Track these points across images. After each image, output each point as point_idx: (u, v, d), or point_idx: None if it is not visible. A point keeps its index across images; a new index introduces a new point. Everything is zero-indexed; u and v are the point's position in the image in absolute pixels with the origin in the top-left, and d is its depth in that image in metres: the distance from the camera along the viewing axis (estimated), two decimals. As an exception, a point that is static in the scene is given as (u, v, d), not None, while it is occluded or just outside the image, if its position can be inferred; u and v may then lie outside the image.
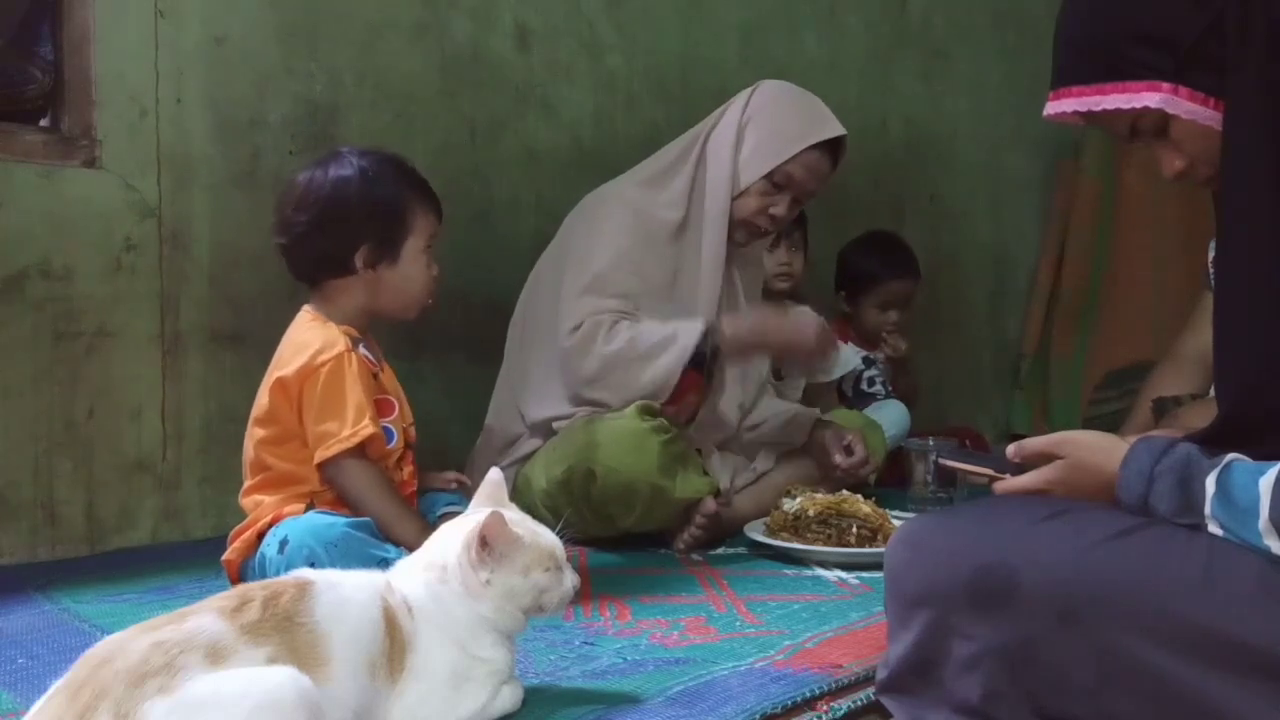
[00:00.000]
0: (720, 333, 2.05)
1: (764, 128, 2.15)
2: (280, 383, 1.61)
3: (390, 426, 1.68)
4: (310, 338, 1.63)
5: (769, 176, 2.13)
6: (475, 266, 2.43)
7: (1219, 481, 1.02)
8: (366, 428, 1.59)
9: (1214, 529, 1.02)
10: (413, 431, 1.75)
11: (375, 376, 1.68)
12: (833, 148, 2.16)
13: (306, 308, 1.71)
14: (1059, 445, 1.17)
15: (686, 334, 2.00)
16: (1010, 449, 1.22)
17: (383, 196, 1.66)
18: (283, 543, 1.51)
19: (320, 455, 1.58)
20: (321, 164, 1.69)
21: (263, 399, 1.64)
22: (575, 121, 2.71)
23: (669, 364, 1.98)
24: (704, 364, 2.03)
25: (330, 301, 1.69)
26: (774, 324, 2.11)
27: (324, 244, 1.66)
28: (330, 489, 1.62)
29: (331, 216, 1.65)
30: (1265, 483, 0.99)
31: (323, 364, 1.59)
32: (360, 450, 1.60)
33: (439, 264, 1.76)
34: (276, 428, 1.62)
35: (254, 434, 1.65)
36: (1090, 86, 1.13)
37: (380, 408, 1.66)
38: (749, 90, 2.22)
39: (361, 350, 1.66)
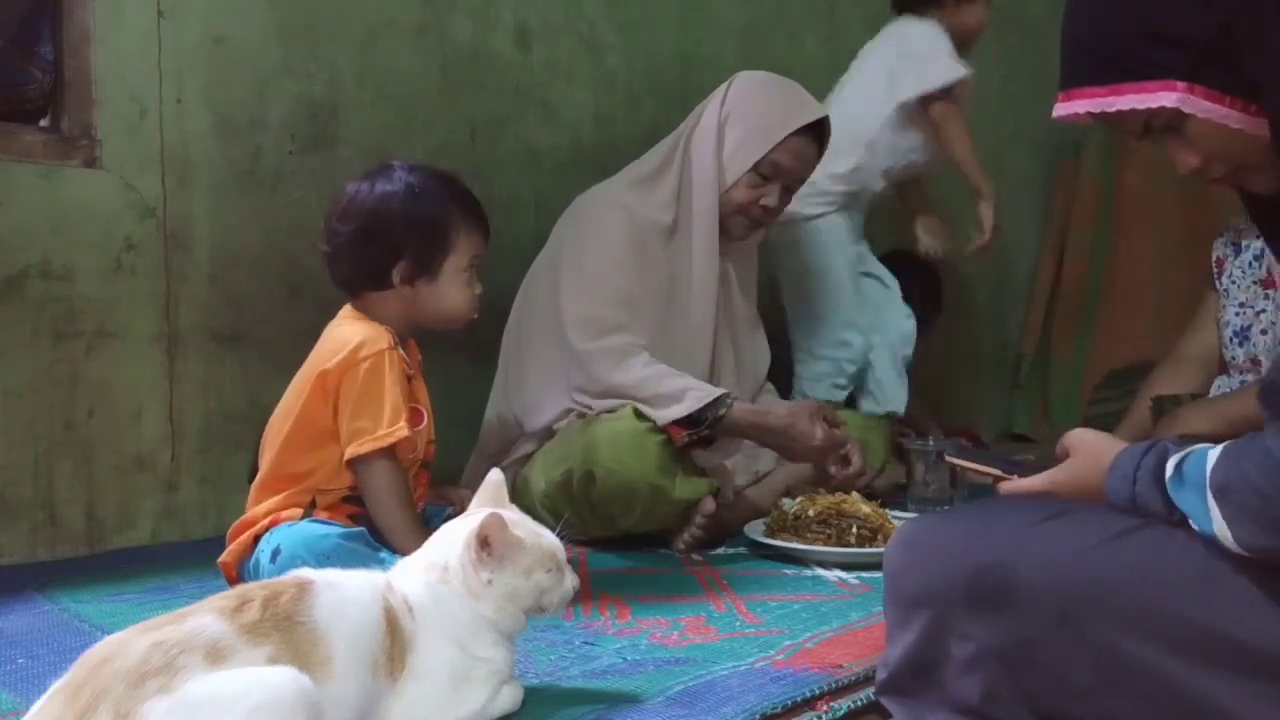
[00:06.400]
0: (729, 409, 1.98)
1: (744, 121, 2.14)
2: (322, 376, 1.60)
3: (416, 437, 1.67)
4: (352, 332, 1.63)
5: (755, 168, 2.13)
6: (475, 267, 2.43)
7: (1177, 465, 1.02)
8: (401, 429, 1.58)
9: (1193, 524, 1.01)
10: (433, 450, 1.74)
11: (409, 380, 1.67)
12: (817, 131, 2.16)
13: (348, 306, 1.71)
14: (1068, 440, 1.17)
15: (695, 397, 1.95)
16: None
17: (426, 214, 1.65)
18: (275, 551, 1.51)
19: (352, 451, 1.58)
20: (370, 176, 1.69)
21: (298, 394, 1.62)
22: (575, 121, 2.71)
23: (664, 417, 1.95)
24: (700, 424, 1.96)
25: (368, 310, 1.68)
26: (775, 424, 2.02)
27: (363, 256, 1.66)
28: (352, 487, 1.61)
29: (372, 229, 1.65)
30: (1213, 454, 0.99)
31: (365, 359, 1.59)
32: (392, 451, 1.60)
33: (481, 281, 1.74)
34: (305, 424, 1.61)
35: (279, 429, 1.63)
36: (1104, 87, 1.11)
37: (411, 416, 1.64)
38: (725, 85, 2.21)
39: (400, 352, 1.65)
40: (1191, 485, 0.99)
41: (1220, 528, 0.96)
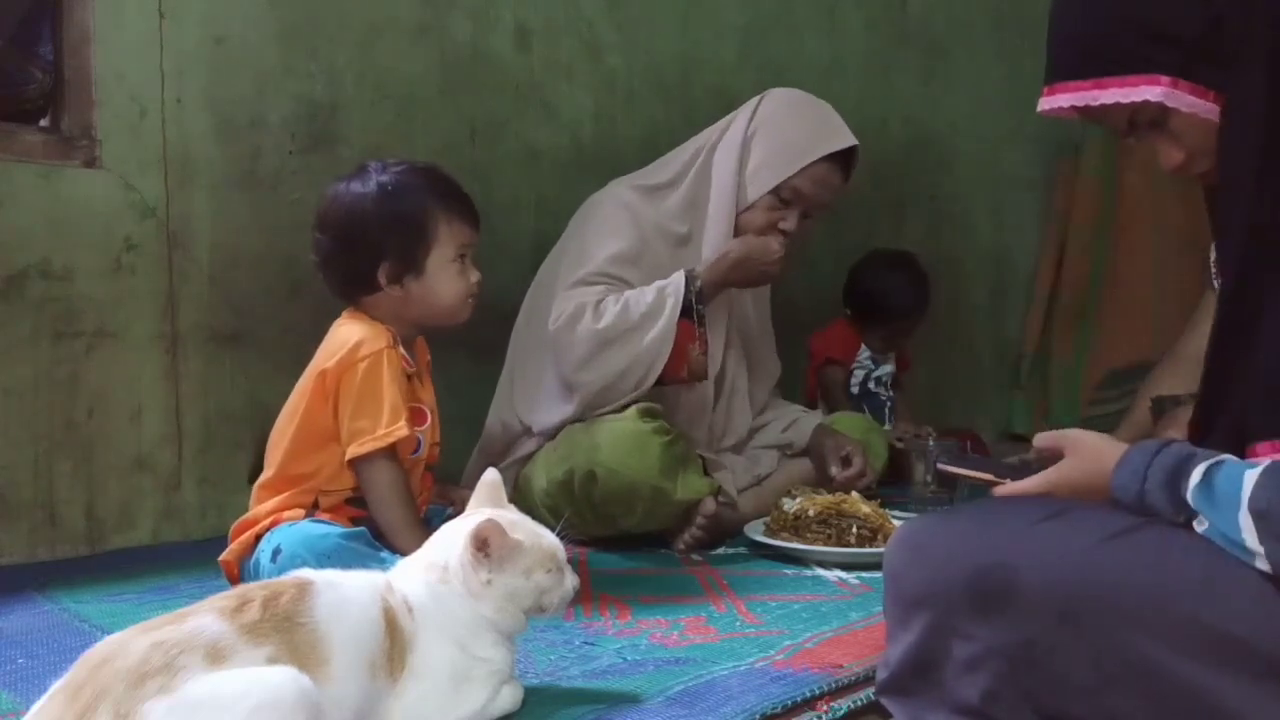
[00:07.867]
0: (699, 276, 2.01)
1: (770, 140, 2.10)
2: (321, 376, 1.60)
3: (420, 436, 1.67)
4: (351, 333, 1.63)
5: (775, 191, 2.08)
6: (475, 266, 2.43)
7: (1206, 472, 1.01)
8: (401, 428, 1.58)
9: (1199, 526, 1.01)
10: (437, 452, 1.74)
11: (410, 379, 1.67)
12: (844, 158, 2.11)
13: (347, 310, 1.70)
14: (1063, 438, 1.17)
15: (674, 289, 1.98)
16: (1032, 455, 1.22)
17: (400, 211, 1.64)
18: (276, 551, 1.51)
19: (353, 451, 1.58)
20: (347, 180, 1.68)
21: (301, 395, 1.63)
22: (575, 121, 2.71)
23: (666, 323, 1.95)
24: (692, 312, 1.98)
25: (366, 313, 1.68)
26: (738, 250, 2.04)
27: (346, 263, 1.65)
28: (355, 488, 1.62)
29: (350, 235, 1.64)
30: (1251, 474, 0.98)
31: (362, 358, 1.59)
32: (392, 450, 1.60)
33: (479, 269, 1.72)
34: (308, 425, 1.61)
35: (284, 431, 1.64)
36: (1088, 81, 1.12)
37: (413, 416, 1.64)
38: (756, 99, 2.17)
39: (399, 350, 1.65)
40: (1224, 500, 0.99)
41: (1254, 546, 0.96)
